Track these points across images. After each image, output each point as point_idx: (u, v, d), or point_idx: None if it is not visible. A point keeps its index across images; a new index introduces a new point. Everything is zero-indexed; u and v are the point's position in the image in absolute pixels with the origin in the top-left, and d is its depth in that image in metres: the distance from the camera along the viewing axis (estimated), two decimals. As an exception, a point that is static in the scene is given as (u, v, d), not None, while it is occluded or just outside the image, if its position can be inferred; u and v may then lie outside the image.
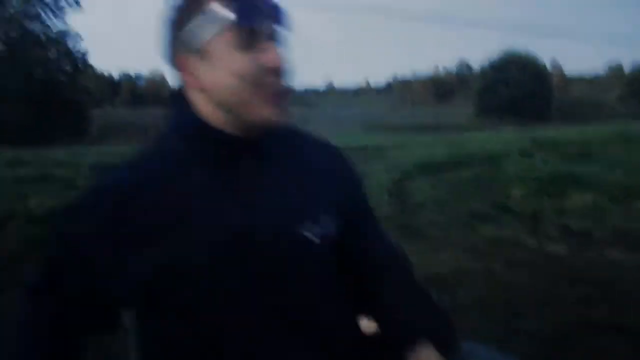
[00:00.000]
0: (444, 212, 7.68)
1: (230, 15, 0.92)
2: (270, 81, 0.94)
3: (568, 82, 76.53)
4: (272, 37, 0.96)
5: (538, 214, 7.19)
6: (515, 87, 41.57)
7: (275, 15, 0.96)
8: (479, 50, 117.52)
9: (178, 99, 1.01)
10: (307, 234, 1.00)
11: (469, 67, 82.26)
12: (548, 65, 49.26)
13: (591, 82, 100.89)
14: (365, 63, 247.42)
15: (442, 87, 76.94)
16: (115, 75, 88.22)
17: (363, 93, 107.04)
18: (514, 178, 9.59)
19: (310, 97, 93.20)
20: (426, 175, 11.09)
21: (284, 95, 0.97)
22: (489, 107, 41.89)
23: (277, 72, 0.95)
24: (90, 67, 43.98)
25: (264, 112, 0.95)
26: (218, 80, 0.94)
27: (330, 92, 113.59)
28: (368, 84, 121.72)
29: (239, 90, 0.93)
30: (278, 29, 0.97)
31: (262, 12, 0.94)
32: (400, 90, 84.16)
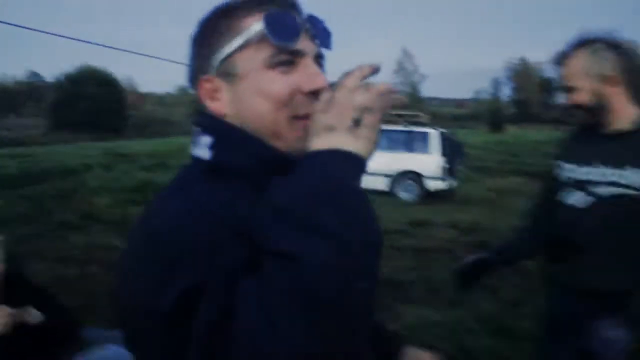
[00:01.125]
0: (30, 226, 7.34)
1: (264, 32, 0.81)
2: (305, 106, 0.83)
3: (141, 98, 79.54)
4: (312, 57, 0.85)
5: (126, 220, 7.56)
6: (92, 102, 41.28)
7: (316, 32, 0.86)
8: (49, 62, 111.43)
9: (215, 125, 0.87)
10: None
11: (40, 79, 77.66)
12: (123, 82, 50.44)
13: (161, 99, 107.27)
14: None
15: (9, 98, 70.51)
16: None
17: None
18: (97, 189, 9.75)
19: None
20: (1, 191, 10.26)
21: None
22: (64, 121, 40.51)
23: (314, 95, 0.82)
24: None
25: (296, 142, 0.83)
26: (250, 106, 0.84)
27: None
28: None
29: (273, 117, 0.83)
30: (318, 47, 0.87)
31: (299, 28, 0.83)
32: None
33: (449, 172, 10.90)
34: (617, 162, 1.72)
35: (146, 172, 11.56)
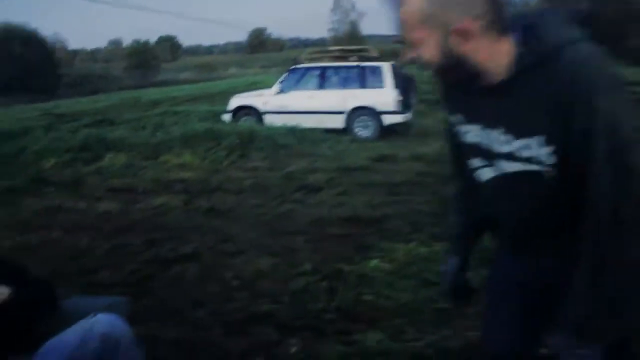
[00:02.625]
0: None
1: None
2: None
3: (72, 55, 76.07)
4: None
5: (78, 180, 7.16)
6: (19, 63, 39.07)
7: None
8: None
9: None
10: None
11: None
12: (49, 39, 47.87)
13: (93, 55, 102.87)
14: None
15: None
16: None
17: None
18: (42, 151, 9.20)
19: None
20: None
21: None
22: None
23: None
24: None
25: None
26: None
27: None
28: None
29: None
30: None
31: None
32: None
33: (404, 105, 10.77)
34: (507, 126, 1.25)
35: (91, 130, 10.97)
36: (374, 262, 3.83)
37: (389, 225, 4.75)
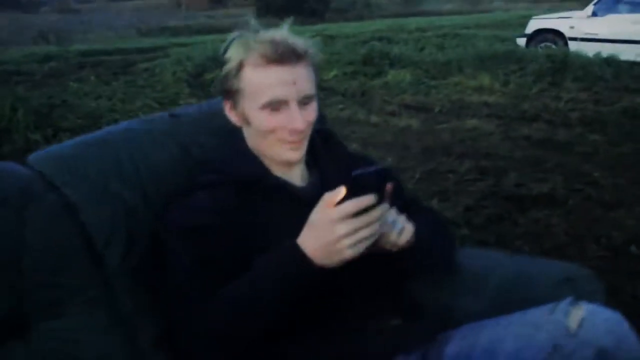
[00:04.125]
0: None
1: None
2: None
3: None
4: None
5: (365, 92, 6.43)
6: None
7: None
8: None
9: None
10: None
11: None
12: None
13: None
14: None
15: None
16: None
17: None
18: (323, 63, 8.75)
19: (69, 3, 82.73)
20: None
21: None
22: (269, 8, 40.97)
23: None
24: None
25: None
26: None
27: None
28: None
29: None
30: None
31: None
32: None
33: None
34: None
35: (374, 44, 10.24)
36: None
37: None
